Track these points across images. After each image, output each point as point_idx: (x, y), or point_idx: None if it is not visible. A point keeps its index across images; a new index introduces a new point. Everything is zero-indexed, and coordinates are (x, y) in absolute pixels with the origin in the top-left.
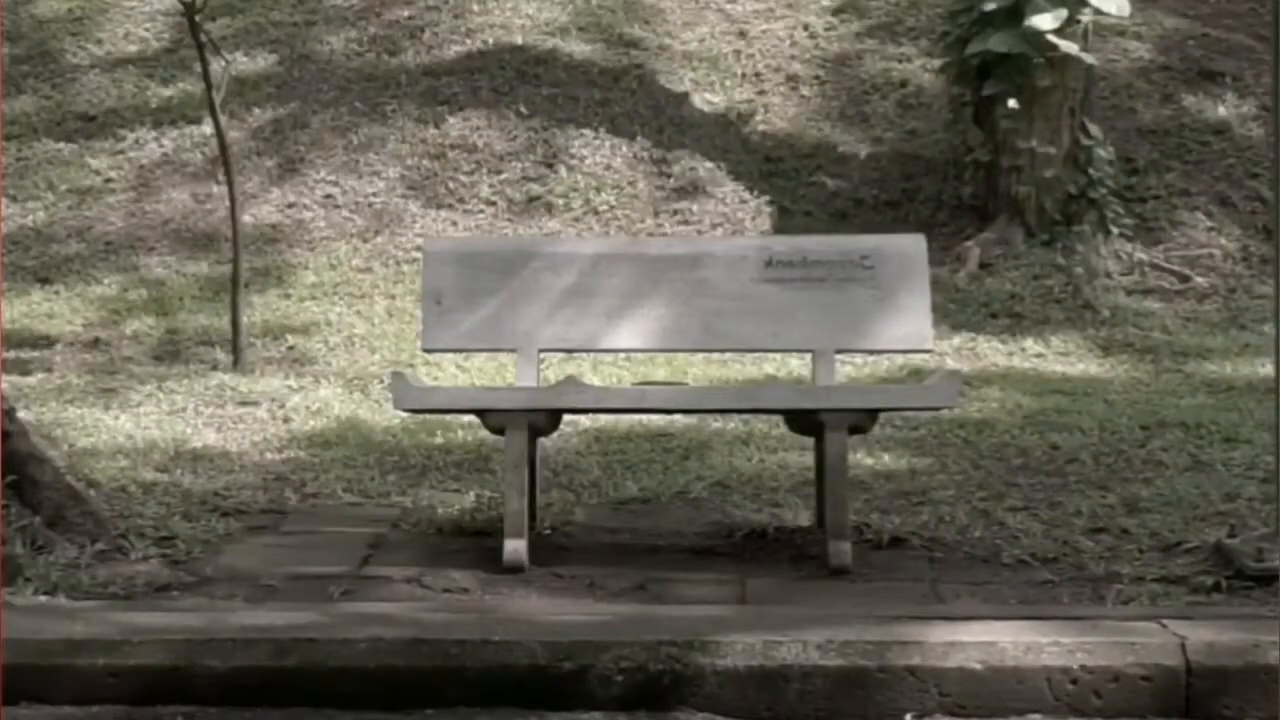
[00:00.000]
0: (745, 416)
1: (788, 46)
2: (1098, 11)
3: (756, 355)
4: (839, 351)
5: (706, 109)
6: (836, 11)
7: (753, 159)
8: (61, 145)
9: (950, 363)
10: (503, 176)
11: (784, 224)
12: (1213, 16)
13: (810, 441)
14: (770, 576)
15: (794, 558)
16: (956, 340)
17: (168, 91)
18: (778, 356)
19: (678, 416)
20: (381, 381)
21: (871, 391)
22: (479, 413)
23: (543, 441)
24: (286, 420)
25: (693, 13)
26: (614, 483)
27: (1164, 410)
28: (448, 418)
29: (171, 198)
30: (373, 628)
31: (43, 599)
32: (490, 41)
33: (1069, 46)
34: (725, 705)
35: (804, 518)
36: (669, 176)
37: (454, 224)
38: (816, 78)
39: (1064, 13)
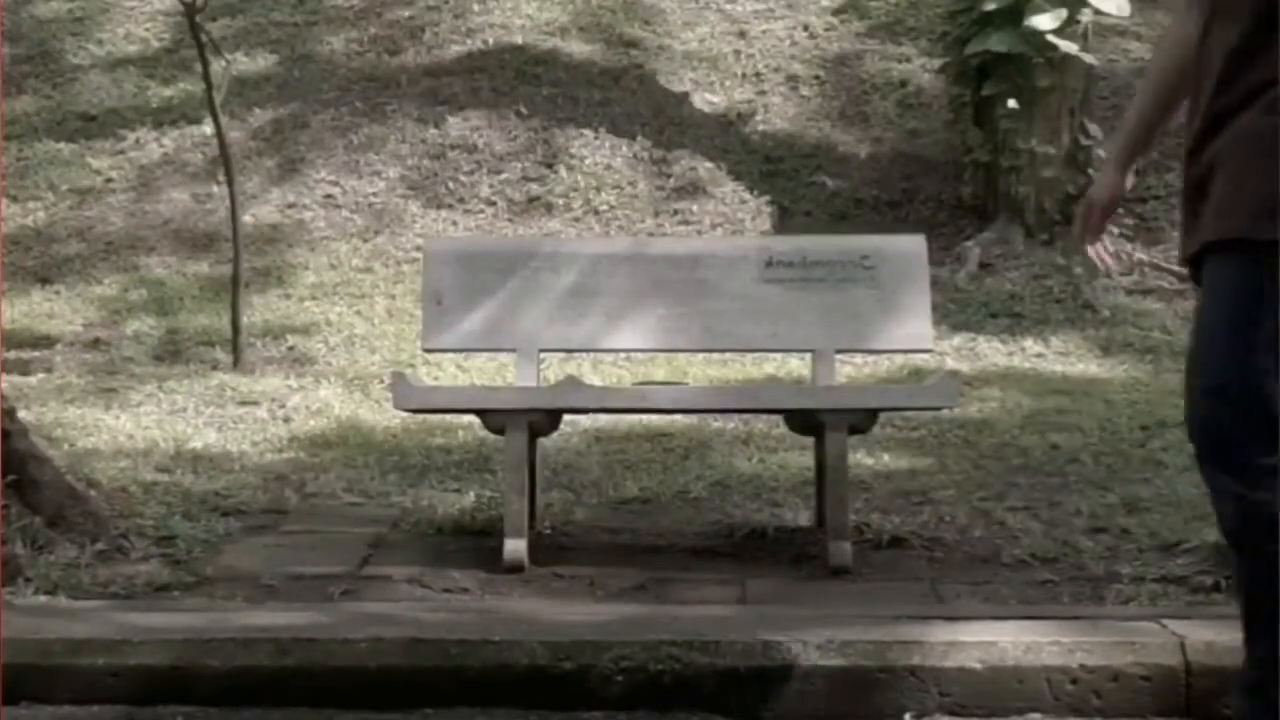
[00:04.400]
0: (745, 416)
1: (788, 46)
2: (1098, 11)
3: (756, 355)
4: (839, 351)
5: (706, 109)
6: (836, 11)
7: (753, 159)
8: (61, 145)
9: (950, 363)
10: (503, 176)
11: (784, 224)
12: None
13: (810, 441)
14: (770, 576)
15: (794, 558)
16: (956, 340)
17: (168, 91)
18: (778, 356)
19: (678, 416)
20: (382, 381)
21: (871, 391)
22: (479, 413)
23: (543, 441)
24: (286, 420)
25: (693, 13)
26: (614, 483)
27: (1164, 410)
28: (448, 418)
29: (171, 198)
30: (373, 628)
31: (43, 599)
32: (490, 41)
33: (1069, 46)
34: (725, 705)
35: (804, 518)
36: (669, 176)
37: (454, 224)
38: (816, 78)
39: (1064, 13)
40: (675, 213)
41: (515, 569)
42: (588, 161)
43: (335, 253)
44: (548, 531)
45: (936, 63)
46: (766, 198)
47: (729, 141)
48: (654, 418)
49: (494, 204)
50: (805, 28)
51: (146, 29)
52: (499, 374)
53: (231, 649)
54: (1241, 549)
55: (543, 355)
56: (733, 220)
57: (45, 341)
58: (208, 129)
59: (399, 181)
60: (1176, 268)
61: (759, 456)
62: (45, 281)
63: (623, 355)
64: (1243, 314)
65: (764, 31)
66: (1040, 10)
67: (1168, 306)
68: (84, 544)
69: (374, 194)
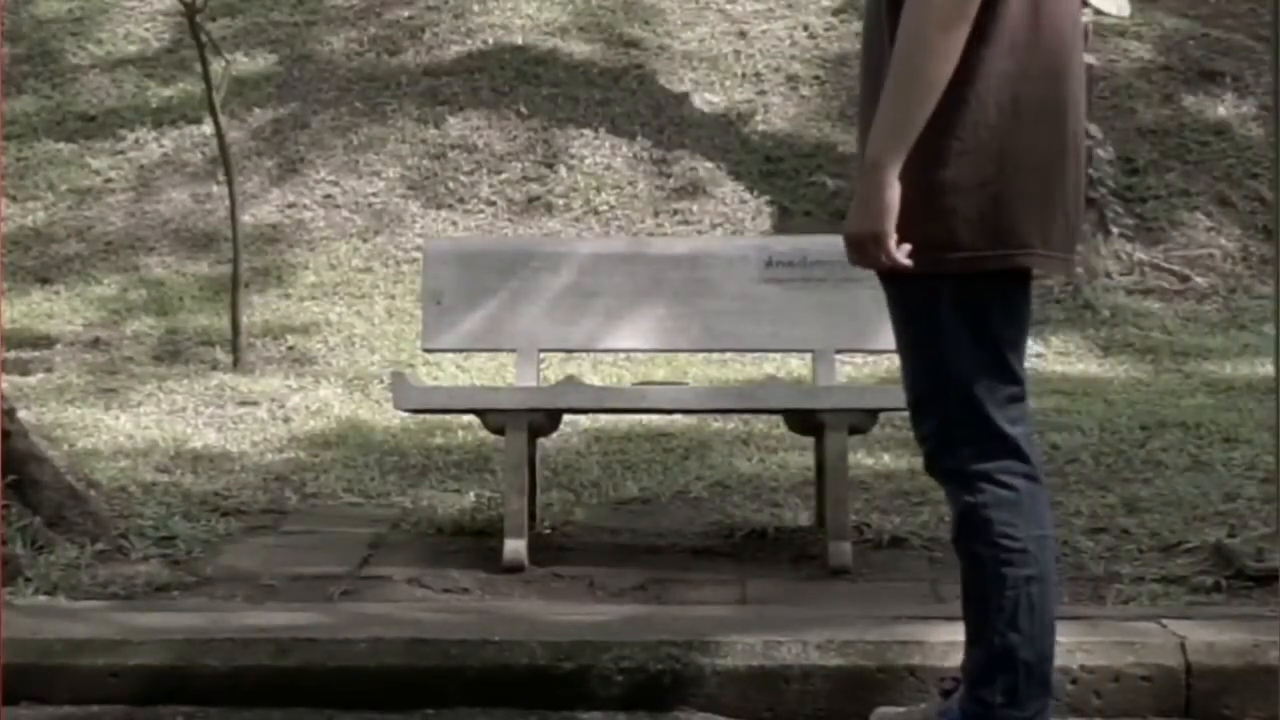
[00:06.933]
0: (745, 416)
1: (788, 46)
2: (1098, 11)
3: (756, 355)
4: (839, 351)
5: (706, 109)
6: (836, 11)
7: (753, 159)
8: (61, 145)
9: None
10: (503, 176)
11: (784, 224)
12: (1213, 16)
13: (810, 441)
14: (770, 576)
15: (794, 558)
16: None
17: (168, 91)
18: (778, 356)
19: (678, 416)
20: (381, 381)
21: (871, 391)
22: (479, 413)
23: (543, 441)
24: (286, 420)
25: (693, 13)
26: (614, 483)
27: (1164, 410)
28: (448, 418)
29: (171, 198)
30: (373, 628)
31: (43, 599)
32: (490, 41)
33: None
34: (725, 705)
35: (804, 518)
36: (669, 176)
37: (454, 224)
38: (816, 78)
39: None
40: (675, 213)
41: (515, 569)
42: (588, 161)
43: (335, 253)
44: (548, 531)
45: None
46: (766, 198)
47: (729, 141)
48: (654, 418)
49: (494, 204)
50: (805, 28)
51: (146, 29)
52: (499, 374)
53: (231, 649)
54: (959, 552)
55: (542, 355)
56: (733, 220)
57: (45, 341)
58: (208, 129)
59: (399, 181)
60: (1177, 268)
61: (759, 456)
62: (45, 281)
63: (623, 355)
64: (932, 329)
65: (764, 31)
66: None
67: (1168, 306)
68: (84, 544)
69: (374, 194)
